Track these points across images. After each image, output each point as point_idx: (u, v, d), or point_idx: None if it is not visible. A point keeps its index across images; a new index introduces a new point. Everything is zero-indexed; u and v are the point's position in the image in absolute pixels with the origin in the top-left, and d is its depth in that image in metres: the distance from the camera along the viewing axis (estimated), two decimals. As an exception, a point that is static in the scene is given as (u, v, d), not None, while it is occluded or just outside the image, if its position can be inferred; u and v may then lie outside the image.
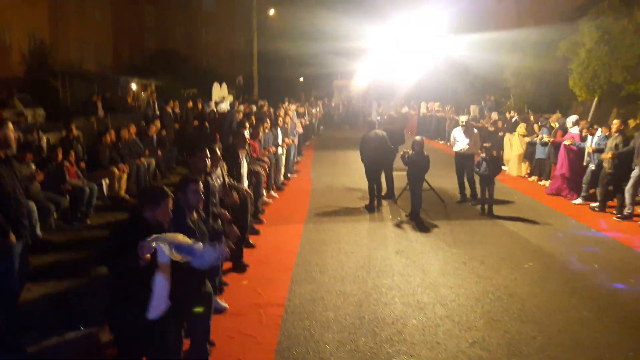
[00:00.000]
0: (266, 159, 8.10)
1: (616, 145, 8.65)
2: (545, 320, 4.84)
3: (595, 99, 12.95)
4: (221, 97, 17.93)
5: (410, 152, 8.43)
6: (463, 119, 9.68)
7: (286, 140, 10.50)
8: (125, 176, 9.14)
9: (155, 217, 3.13)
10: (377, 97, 27.25)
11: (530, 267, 6.26)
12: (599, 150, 9.01)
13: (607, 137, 8.96)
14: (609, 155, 8.60)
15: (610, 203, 9.04)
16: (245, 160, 6.43)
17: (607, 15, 12.59)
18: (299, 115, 14.72)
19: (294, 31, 33.64)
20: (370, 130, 9.03)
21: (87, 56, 29.54)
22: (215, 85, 18.94)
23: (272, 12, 27.87)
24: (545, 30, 15.66)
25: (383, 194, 9.49)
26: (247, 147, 6.73)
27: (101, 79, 25.58)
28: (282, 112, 11.60)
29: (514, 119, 13.40)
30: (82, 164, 8.61)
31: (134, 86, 28.30)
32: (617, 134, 8.75)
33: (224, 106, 15.14)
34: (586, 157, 9.46)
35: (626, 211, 8.42)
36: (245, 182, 6.32)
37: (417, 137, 8.66)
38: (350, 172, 12.62)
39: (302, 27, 33.36)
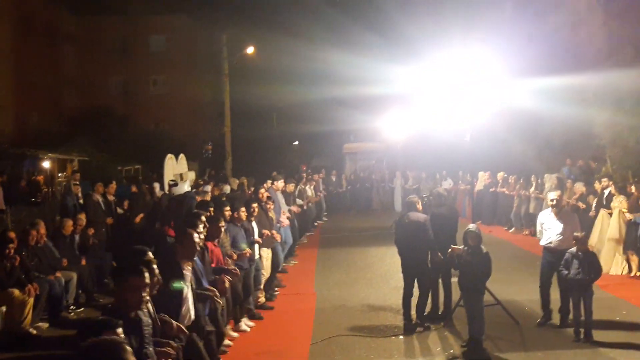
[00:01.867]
0: (232, 268, 7.83)
1: None
2: None
3: None
4: (177, 175, 18.17)
5: (462, 247, 8.50)
6: (553, 195, 9.65)
7: (266, 232, 10.52)
8: (31, 301, 9.19)
9: None
10: (403, 166, 27.88)
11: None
12: None
13: None
14: None
15: None
16: (191, 279, 6.19)
17: None
18: (288, 200, 14.69)
19: (285, 75, 34.67)
20: (407, 212, 9.39)
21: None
22: (169, 159, 19.13)
23: (250, 50, 28.40)
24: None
25: (428, 311, 9.54)
26: (197, 256, 6.55)
27: (-2, 154, 26.12)
28: (263, 195, 11.62)
29: (607, 191, 13.41)
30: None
31: (46, 164, 28.85)
32: None
33: (183, 188, 15.33)
34: None
35: None
36: (192, 311, 5.99)
37: (471, 226, 8.77)
38: (374, 281, 12.74)
39: (297, 69, 34.48)
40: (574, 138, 20.36)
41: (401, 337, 8.97)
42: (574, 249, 8.77)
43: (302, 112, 36.46)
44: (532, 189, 18.02)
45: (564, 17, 24.69)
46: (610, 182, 13.74)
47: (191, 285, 6.10)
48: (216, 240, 7.94)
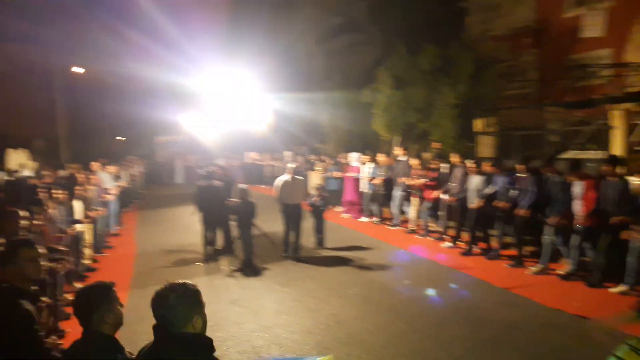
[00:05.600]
0: (61, 247, 6.34)
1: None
2: (370, 339, 5.35)
3: (396, 138, 14.94)
4: (21, 164, 15.73)
5: (237, 200, 8.73)
6: (292, 165, 9.69)
7: (88, 213, 8.73)
8: None
9: None
10: (187, 150, 27.22)
11: (355, 293, 6.87)
12: (373, 177, 11.88)
13: (378, 168, 11.87)
14: (379, 180, 11.68)
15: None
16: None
17: (398, 65, 14.78)
18: (113, 179, 12.47)
19: (109, 84, 31.51)
20: (207, 181, 9.33)
21: None
22: (10, 152, 16.53)
23: (80, 70, 25.87)
24: (352, 82, 17.82)
25: (220, 247, 9.53)
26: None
27: None
28: (84, 178, 9.83)
29: (311, 160, 16.21)
30: None
31: None
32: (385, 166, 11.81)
33: (26, 173, 13.21)
34: (362, 184, 12.35)
35: (395, 222, 11.39)
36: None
37: (242, 185, 9.04)
38: (180, 230, 12.26)
39: (117, 78, 31.35)
40: (309, 129, 21.39)
41: (199, 263, 8.93)
42: (318, 192, 9.94)
43: (124, 114, 33.15)
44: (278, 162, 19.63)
45: (302, 50, 25.59)
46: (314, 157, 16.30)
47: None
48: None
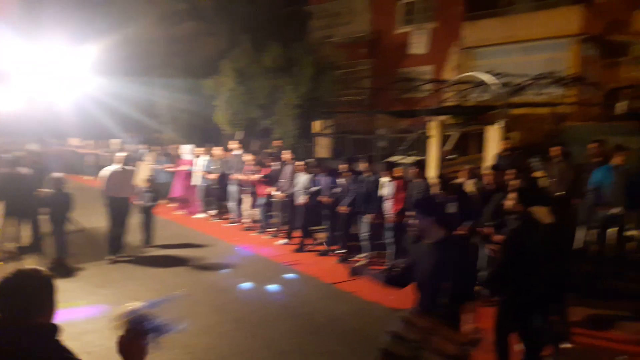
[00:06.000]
0: None
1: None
2: (194, 342, 5.12)
3: (238, 132, 14.82)
4: None
5: (49, 190, 7.78)
6: (120, 154, 8.68)
7: None
8: None
9: None
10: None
11: (182, 293, 6.52)
12: (208, 172, 11.48)
13: (212, 161, 11.50)
14: (215, 175, 11.31)
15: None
16: None
17: (242, 59, 14.61)
18: None
19: None
20: (12, 167, 8.05)
21: None
22: None
23: None
24: (194, 71, 17.01)
25: (26, 244, 8.34)
26: None
27: None
28: None
29: (140, 151, 14.50)
30: None
31: None
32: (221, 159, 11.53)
33: None
34: (196, 178, 11.78)
35: (231, 218, 11.19)
36: None
37: (55, 174, 8.06)
38: None
39: None
40: (145, 116, 19.72)
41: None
42: (149, 185, 9.16)
43: None
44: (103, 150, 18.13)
45: (140, 32, 23.70)
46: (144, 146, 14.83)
47: None
48: None
